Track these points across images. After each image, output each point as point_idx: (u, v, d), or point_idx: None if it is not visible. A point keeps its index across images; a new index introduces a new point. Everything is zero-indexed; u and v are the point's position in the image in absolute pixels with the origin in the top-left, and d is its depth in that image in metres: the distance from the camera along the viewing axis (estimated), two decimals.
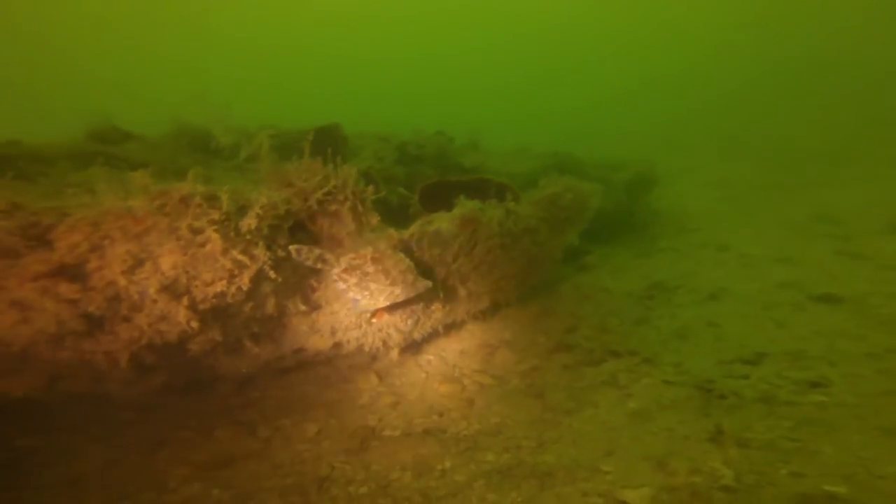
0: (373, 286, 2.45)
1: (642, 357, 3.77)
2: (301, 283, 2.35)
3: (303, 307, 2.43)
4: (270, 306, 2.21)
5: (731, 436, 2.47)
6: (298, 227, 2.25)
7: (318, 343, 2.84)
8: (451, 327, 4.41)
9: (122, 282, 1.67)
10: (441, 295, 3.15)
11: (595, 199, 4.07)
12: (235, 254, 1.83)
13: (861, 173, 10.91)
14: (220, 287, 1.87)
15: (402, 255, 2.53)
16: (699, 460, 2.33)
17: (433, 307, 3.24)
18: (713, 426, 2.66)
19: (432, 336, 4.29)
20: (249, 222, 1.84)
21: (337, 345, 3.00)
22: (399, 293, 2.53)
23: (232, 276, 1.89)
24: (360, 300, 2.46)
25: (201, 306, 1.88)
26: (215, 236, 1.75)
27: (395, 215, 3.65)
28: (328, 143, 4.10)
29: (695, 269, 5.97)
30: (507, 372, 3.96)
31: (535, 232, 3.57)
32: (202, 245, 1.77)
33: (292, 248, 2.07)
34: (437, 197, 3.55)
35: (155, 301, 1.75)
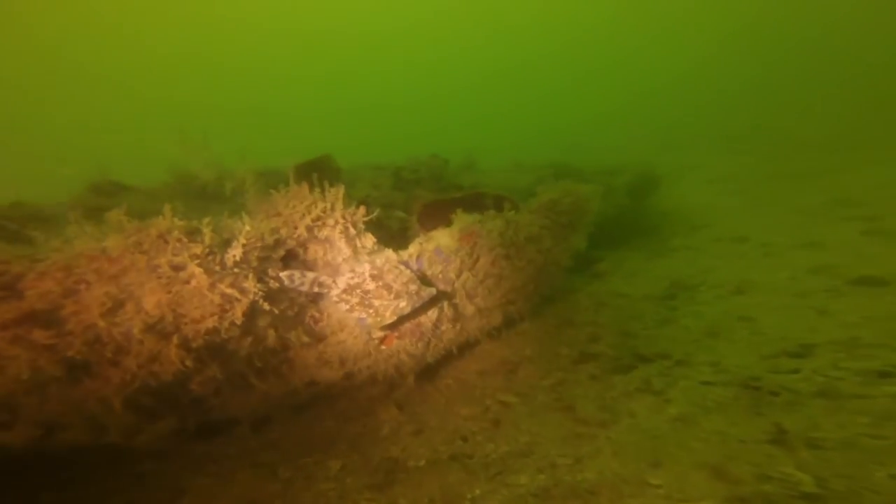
0: (376, 303, 2.35)
1: (674, 359, 3.54)
2: (301, 314, 2.26)
3: (306, 339, 2.33)
4: (271, 340, 2.11)
5: (796, 436, 2.23)
6: (291, 256, 2.19)
7: (329, 374, 2.70)
8: (466, 348, 4.24)
9: (102, 324, 1.59)
10: (449, 314, 3.02)
11: (595, 201, 3.98)
12: (223, 288, 1.75)
13: (870, 157, 10.73)
14: (211, 323, 1.78)
15: (401, 268, 2.43)
16: (765, 465, 2.10)
17: (443, 328, 3.10)
18: (772, 426, 2.42)
19: (448, 359, 4.12)
20: (234, 253, 1.78)
21: (348, 375, 2.86)
22: (404, 306, 2.41)
23: (223, 312, 1.80)
24: (365, 318, 2.35)
25: (194, 344, 1.79)
26: (198, 271, 1.68)
27: (396, 240, 3.59)
28: (319, 174, 4.15)
29: (714, 264, 5.76)
30: (531, 388, 3.74)
31: (539, 240, 3.47)
32: (186, 281, 1.70)
33: (284, 274, 1.99)
34: (435, 216, 3.49)
35: (141, 342, 1.67)
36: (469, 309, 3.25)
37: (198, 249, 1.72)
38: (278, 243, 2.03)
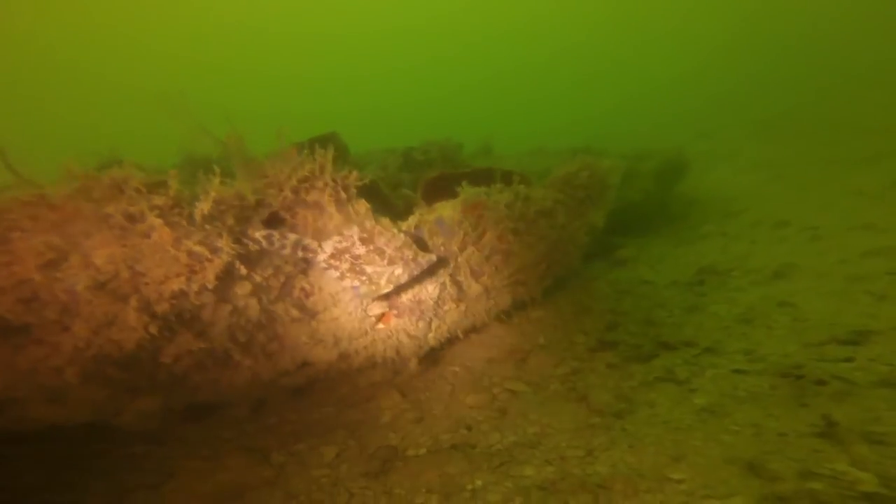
0: (368, 269, 2.17)
1: (702, 347, 3.21)
2: (289, 285, 2.10)
3: (296, 313, 2.17)
4: (254, 311, 1.96)
5: (851, 429, 1.91)
6: (277, 221, 2.03)
7: (323, 354, 2.55)
8: (474, 333, 4.03)
9: (39, 279, 1.41)
10: (452, 292, 2.81)
11: (616, 176, 3.66)
12: (191, 245, 1.58)
13: None
14: (177, 285, 1.60)
15: (394, 231, 2.24)
16: (811, 461, 1.80)
17: (446, 307, 2.90)
18: (819, 418, 2.10)
19: (455, 345, 3.92)
20: (203, 207, 1.61)
21: (344, 356, 2.70)
22: (400, 273, 2.23)
23: (192, 273, 1.63)
24: (358, 287, 2.18)
25: (158, 308, 1.63)
26: (158, 223, 1.51)
27: (403, 218, 3.42)
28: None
29: (749, 249, 5.31)
30: (543, 377, 3.50)
31: (552, 214, 3.21)
32: (145, 235, 1.53)
33: (260, 234, 1.83)
34: (441, 191, 3.28)
35: (91, 302, 1.51)
36: (474, 288, 3.02)
37: (160, 201, 1.54)
38: (261, 205, 1.88)
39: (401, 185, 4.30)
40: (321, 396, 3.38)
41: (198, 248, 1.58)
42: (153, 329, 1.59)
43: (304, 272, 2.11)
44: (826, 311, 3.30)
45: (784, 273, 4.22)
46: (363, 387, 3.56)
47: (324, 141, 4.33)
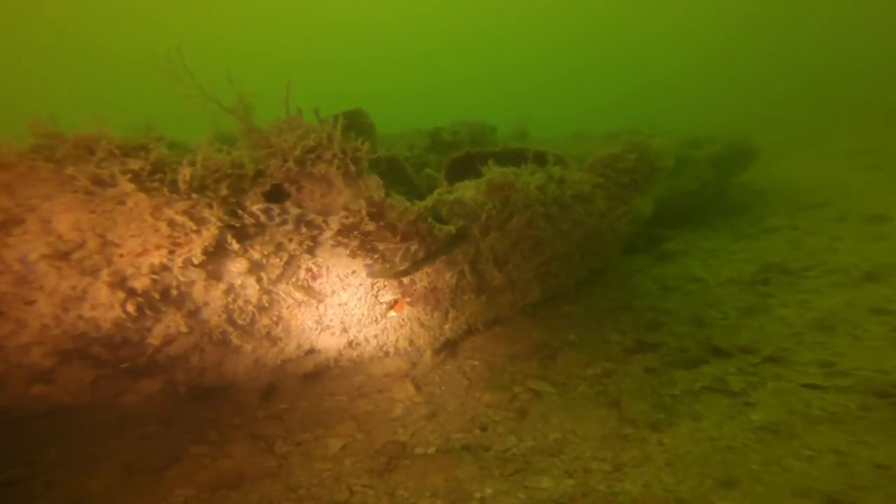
0: (381, 247, 1.98)
1: (763, 355, 2.76)
2: (293, 265, 1.96)
3: (299, 296, 2.04)
4: (253, 291, 1.84)
5: None
6: (282, 195, 1.88)
7: (330, 341, 2.41)
8: (498, 325, 3.76)
9: None
10: (472, 281, 2.57)
11: (667, 159, 3.21)
12: (173, 214, 1.45)
13: None
14: (157, 258, 1.49)
15: (406, 203, 2.03)
16: None
17: (465, 297, 2.66)
18: None
19: (477, 337, 3.69)
20: (186, 172, 1.44)
21: (353, 344, 2.55)
22: (416, 249, 2.02)
23: (175, 245, 1.51)
24: (371, 265, 2.00)
25: (137, 283, 1.51)
26: (131, 188, 1.36)
27: (424, 199, 3.20)
28: (350, 129, 3.86)
29: (831, 246, 4.59)
30: (570, 378, 3.19)
31: (589, 200, 2.85)
32: (118, 201, 1.39)
33: (258, 207, 1.67)
34: (468, 173, 3.03)
35: (51, 273, 1.38)
36: (497, 278, 2.76)
37: (136, 164, 1.38)
38: (261, 175, 1.73)
39: (427, 165, 4.09)
40: (334, 384, 3.28)
41: (181, 219, 1.45)
42: (131, 307, 1.49)
43: (311, 251, 1.96)
44: None
45: (880, 275, 3.56)
46: (378, 376, 3.43)
47: (348, 117, 4.22)
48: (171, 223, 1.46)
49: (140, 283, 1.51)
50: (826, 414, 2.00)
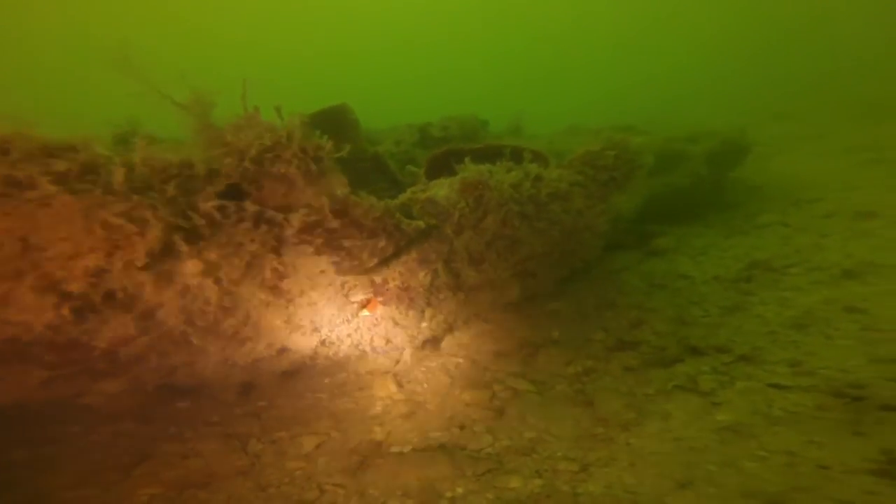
0: (347, 244, 1.99)
1: (737, 354, 2.76)
2: (256, 265, 1.98)
3: (263, 296, 2.06)
4: (211, 293, 1.86)
5: None
6: (241, 195, 1.89)
7: (302, 341, 2.44)
8: (485, 322, 3.78)
9: None
10: (446, 280, 2.58)
11: (646, 156, 3.19)
12: (107, 216, 1.43)
13: None
14: (92, 261, 1.47)
15: (372, 199, 2.03)
16: None
17: (441, 295, 2.68)
18: (879, 452, 1.69)
19: (463, 333, 3.71)
20: (119, 173, 1.43)
21: (326, 343, 2.58)
22: (385, 245, 2.03)
23: (113, 247, 1.50)
24: (339, 262, 2.01)
25: (71, 287, 1.49)
26: (54, 189, 1.33)
27: None
28: (333, 127, 3.84)
29: (817, 242, 4.56)
30: (550, 376, 3.22)
31: (567, 198, 2.85)
32: (43, 203, 1.34)
33: (211, 205, 1.68)
34: (445, 169, 3.03)
35: None
36: (473, 277, 2.77)
37: (62, 166, 1.35)
38: (214, 175, 1.74)
39: (414, 161, 4.08)
40: (316, 381, 3.32)
41: (118, 221, 1.45)
42: (66, 311, 1.49)
43: (275, 251, 1.97)
44: None
45: (858, 272, 3.55)
46: (362, 373, 3.46)
47: (332, 113, 4.22)
48: (107, 226, 1.46)
49: (76, 287, 1.50)
50: (786, 414, 2.01)
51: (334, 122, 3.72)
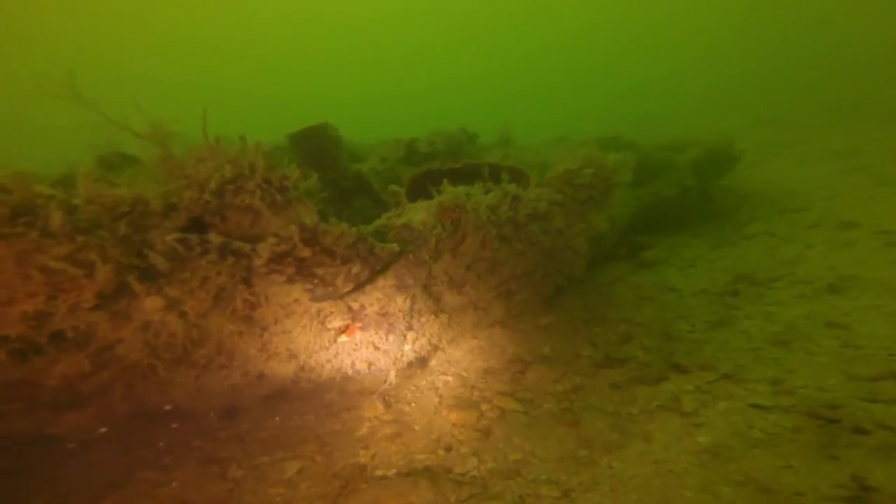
0: (320, 272, 1.99)
1: (720, 372, 2.76)
2: (225, 297, 1.96)
3: (233, 327, 2.04)
4: (176, 326, 1.84)
5: (891, 497, 1.50)
6: (204, 227, 1.88)
7: (278, 368, 2.43)
8: (475, 339, 3.77)
9: None
10: (425, 304, 2.58)
11: (624, 172, 3.22)
12: (47, 261, 1.39)
13: None
14: (31, 306, 1.43)
15: (344, 226, 2.03)
16: None
17: (423, 319, 2.68)
18: (848, 477, 1.68)
19: (455, 351, 3.70)
20: (55, 216, 1.38)
21: (304, 368, 2.57)
22: (358, 271, 2.03)
23: (57, 291, 1.46)
24: (313, 290, 2.01)
25: (11, 331, 1.45)
26: None
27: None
28: (316, 146, 3.87)
29: (802, 254, 4.59)
30: (538, 394, 3.20)
31: (546, 218, 2.86)
32: None
33: (171, 237, 1.66)
34: (425, 190, 3.05)
35: None
36: (456, 299, 2.77)
37: None
38: (173, 209, 1.74)
39: (399, 179, 4.11)
40: (304, 403, 3.28)
41: (59, 265, 1.42)
42: (2, 354, 1.46)
43: (245, 281, 1.97)
44: (887, 337, 2.71)
45: (841, 286, 3.56)
46: (351, 392, 3.44)
47: (313, 132, 4.24)
48: (46, 270, 1.42)
49: (13, 331, 1.47)
50: (765, 436, 2.00)
51: (316, 141, 3.74)
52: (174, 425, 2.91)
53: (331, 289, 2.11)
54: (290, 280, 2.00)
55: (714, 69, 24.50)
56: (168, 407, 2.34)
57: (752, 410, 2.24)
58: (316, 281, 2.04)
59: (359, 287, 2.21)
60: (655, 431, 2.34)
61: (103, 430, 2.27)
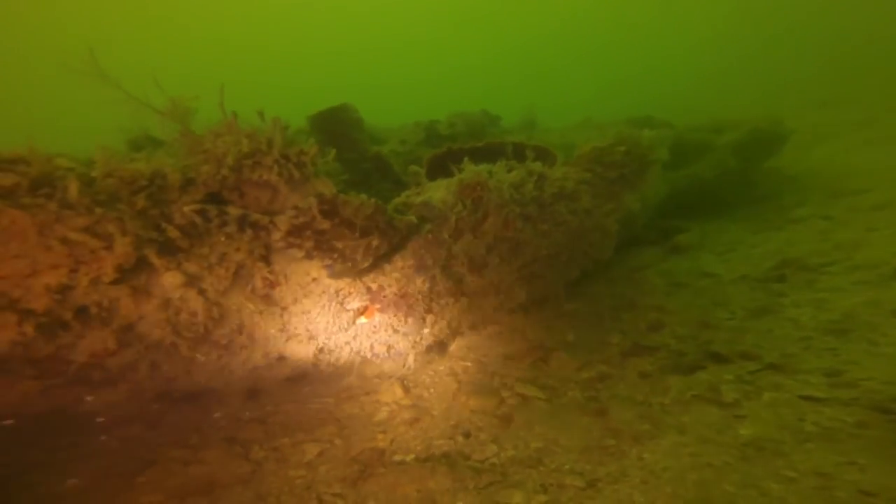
0: (339, 245, 1.93)
1: (764, 362, 2.54)
2: (244, 274, 1.95)
3: (252, 306, 2.03)
4: (197, 304, 1.84)
5: None
6: (222, 202, 1.86)
7: (298, 349, 2.41)
8: (495, 324, 3.67)
9: None
10: (446, 286, 2.49)
11: (660, 150, 2.98)
12: (67, 232, 1.39)
13: None
14: (54, 279, 1.44)
15: (363, 197, 1.96)
16: None
17: (443, 301, 2.59)
18: None
19: (473, 336, 3.61)
20: (72, 187, 1.39)
21: (324, 350, 2.54)
22: (378, 244, 1.96)
23: (78, 263, 1.47)
24: (332, 265, 1.96)
25: (33, 304, 1.46)
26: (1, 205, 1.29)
27: None
28: (336, 128, 3.82)
29: (862, 238, 4.18)
30: (561, 381, 3.07)
31: (573, 198, 2.70)
32: None
33: (189, 208, 1.64)
34: (445, 169, 2.94)
35: None
36: (476, 282, 2.67)
37: (8, 180, 1.31)
38: (189, 183, 1.72)
39: (419, 161, 4.02)
40: (324, 386, 3.30)
41: (79, 236, 1.42)
42: (29, 328, 1.45)
43: (264, 259, 1.95)
44: None
45: None
46: (370, 377, 3.42)
47: (334, 113, 4.19)
48: (66, 241, 1.43)
49: (39, 304, 1.48)
50: (820, 430, 1.80)
51: (336, 122, 3.69)
52: (197, 406, 2.99)
53: (349, 264, 2.05)
54: (309, 255, 1.96)
55: (766, 43, 22.65)
56: (193, 388, 2.37)
57: (803, 403, 2.03)
58: (335, 255, 1.99)
59: (378, 262, 2.14)
60: (691, 423, 2.17)
61: (132, 408, 2.33)
